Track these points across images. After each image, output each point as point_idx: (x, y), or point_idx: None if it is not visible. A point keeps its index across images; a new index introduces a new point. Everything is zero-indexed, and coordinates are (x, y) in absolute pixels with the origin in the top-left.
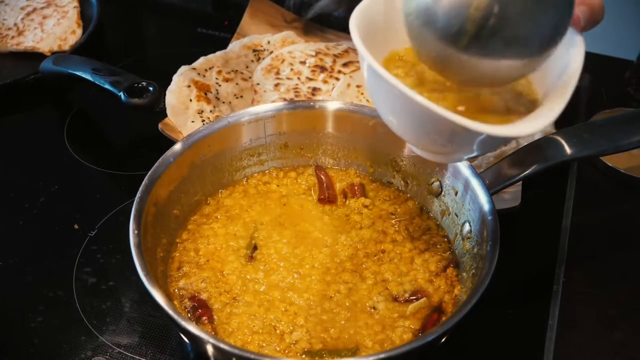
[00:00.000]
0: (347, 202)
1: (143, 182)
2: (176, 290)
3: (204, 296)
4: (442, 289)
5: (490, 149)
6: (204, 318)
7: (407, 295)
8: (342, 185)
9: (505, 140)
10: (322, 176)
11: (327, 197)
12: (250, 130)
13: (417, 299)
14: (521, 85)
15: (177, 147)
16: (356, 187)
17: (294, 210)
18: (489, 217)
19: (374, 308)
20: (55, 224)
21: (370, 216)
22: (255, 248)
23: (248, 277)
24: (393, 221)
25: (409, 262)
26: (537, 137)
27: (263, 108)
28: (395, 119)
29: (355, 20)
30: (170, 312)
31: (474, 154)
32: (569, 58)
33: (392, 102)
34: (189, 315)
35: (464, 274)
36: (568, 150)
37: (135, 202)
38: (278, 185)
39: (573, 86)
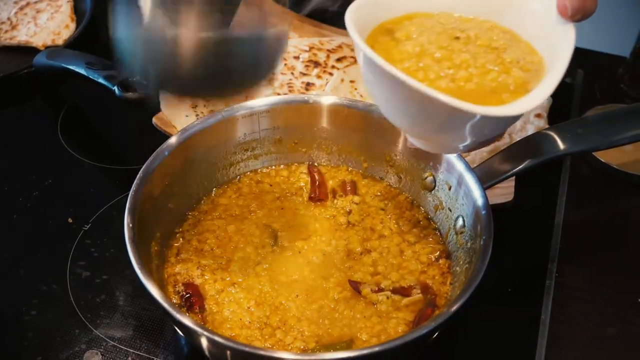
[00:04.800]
0: (336, 201)
1: (137, 176)
2: (172, 275)
3: (198, 282)
4: (437, 279)
5: (485, 135)
6: (195, 307)
7: (398, 286)
8: (334, 183)
9: (498, 124)
10: (315, 174)
11: (317, 195)
12: (244, 124)
13: (411, 292)
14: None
15: (172, 141)
16: (348, 185)
17: (287, 210)
18: (483, 212)
19: (368, 302)
20: (49, 218)
21: (359, 213)
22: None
23: (249, 270)
24: (382, 217)
25: (398, 254)
26: (530, 132)
27: (257, 102)
28: (390, 105)
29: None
30: (165, 305)
31: (469, 141)
32: (559, 46)
33: (386, 88)
34: (182, 302)
35: (457, 269)
36: (561, 145)
37: (129, 195)
38: (271, 185)
39: (563, 70)
